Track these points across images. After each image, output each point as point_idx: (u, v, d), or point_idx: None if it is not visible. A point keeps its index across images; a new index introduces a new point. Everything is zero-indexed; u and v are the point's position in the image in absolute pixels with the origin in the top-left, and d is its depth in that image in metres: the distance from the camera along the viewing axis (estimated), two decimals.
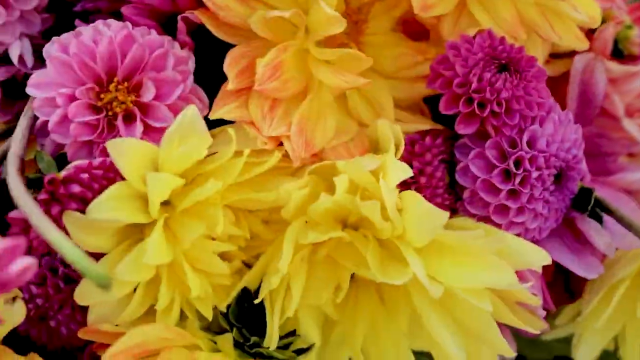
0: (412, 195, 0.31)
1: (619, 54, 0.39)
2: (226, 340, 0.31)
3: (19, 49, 0.35)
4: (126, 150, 0.29)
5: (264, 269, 0.34)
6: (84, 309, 0.31)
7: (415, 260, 0.31)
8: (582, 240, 0.36)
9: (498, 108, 0.32)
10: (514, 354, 0.33)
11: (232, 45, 0.33)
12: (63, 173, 0.29)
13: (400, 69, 0.35)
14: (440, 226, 0.30)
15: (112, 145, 0.29)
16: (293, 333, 0.35)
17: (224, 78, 0.33)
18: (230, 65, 0.32)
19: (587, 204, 0.35)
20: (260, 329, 0.34)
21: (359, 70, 0.32)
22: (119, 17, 0.34)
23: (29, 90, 0.31)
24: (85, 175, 0.29)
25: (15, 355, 0.28)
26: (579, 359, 0.38)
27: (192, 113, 0.29)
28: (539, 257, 0.32)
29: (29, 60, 0.35)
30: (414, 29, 0.37)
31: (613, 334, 0.38)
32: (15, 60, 0.35)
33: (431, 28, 0.36)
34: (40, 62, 0.36)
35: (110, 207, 0.29)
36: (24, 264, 0.23)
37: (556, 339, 0.39)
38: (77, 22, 0.34)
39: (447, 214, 0.30)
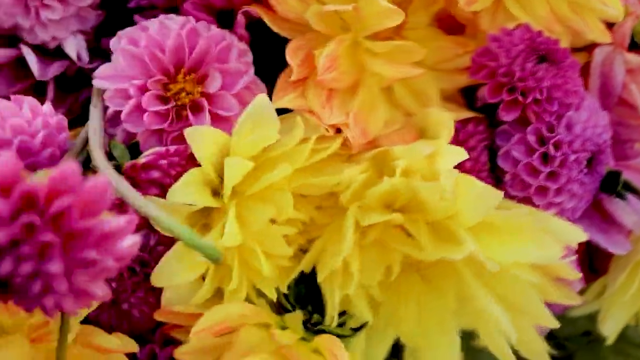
0: (465, 177, 0.33)
1: (635, 46, 0.42)
2: (295, 318, 0.33)
3: (75, 45, 0.36)
4: (202, 137, 0.31)
5: (319, 252, 0.35)
6: (155, 292, 0.32)
7: (469, 239, 0.33)
8: (609, 220, 0.39)
9: (540, 95, 0.35)
10: (558, 324, 0.35)
11: (276, 39, 0.35)
12: (143, 159, 0.30)
13: (441, 62, 0.37)
14: (494, 205, 0.32)
15: (189, 132, 0.30)
16: (343, 313, 0.37)
17: (270, 70, 0.35)
18: (291, 56, 0.33)
19: (616, 185, 0.38)
20: (315, 308, 0.35)
21: (410, 62, 0.34)
22: (172, 13, 0.35)
23: (98, 82, 0.32)
24: (164, 162, 0.30)
25: (104, 333, 0.29)
26: (605, 333, 0.40)
27: (263, 101, 0.31)
28: (576, 235, 0.35)
29: (85, 56, 0.36)
30: (447, 26, 0.39)
31: (636, 310, 0.41)
32: (74, 55, 0.36)
33: (467, 23, 0.38)
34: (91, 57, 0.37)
35: (188, 192, 0.30)
36: (132, 240, 0.24)
37: (582, 315, 0.42)
38: (137, 17, 0.35)
39: (502, 193, 0.32)
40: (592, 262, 0.42)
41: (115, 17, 0.38)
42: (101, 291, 0.24)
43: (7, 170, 0.22)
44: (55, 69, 0.36)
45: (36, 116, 0.29)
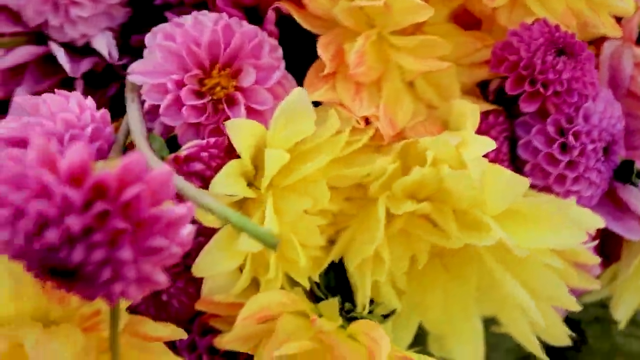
0: (492, 165, 0.34)
1: None
2: (331, 306, 0.34)
3: (105, 42, 0.36)
4: (241, 129, 0.31)
5: (348, 242, 0.36)
6: (194, 282, 0.33)
7: (497, 226, 0.34)
8: (623, 208, 0.40)
9: (560, 87, 0.36)
10: (580, 307, 0.36)
11: (297, 35, 0.36)
12: (184, 152, 0.31)
13: (461, 56, 0.38)
14: (521, 193, 0.33)
15: (229, 124, 0.31)
16: (371, 302, 0.38)
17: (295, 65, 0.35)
18: (323, 51, 0.34)
19: (630, 174, 0.39)
20: (343, 297, 0.36)
21: (435, 56, 0.35)
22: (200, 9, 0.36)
23: (133, 77, 0.33)
24: (204, 154, 0.31)
25: (153, 322, 0.30)
26: (618, 318, 0.42)
27: (301, 94, 0.32)
28: (594, 221, 0.36)
29: (115, 53, 0.37)
30: (463, 22, 0.40)
31: None
32: (105, 52, 0.36)
33: (484, 19, 0.39)
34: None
35: (229, 183, 0.31)
36: (190, 229, 0.25)
37: (594, 301, 0.43)
38: (168, 14, 0.36)
39: (528, 180, 0.33)
40: (603, 248, 0.44)
41: (142, 14, 0.38)
42: (163, 278, 0.25)
43: (78, 161, 0.23)
44: (85, 65, 0.37)
45: (83, 110, 0.30)
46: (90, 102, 0.31)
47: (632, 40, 0.42)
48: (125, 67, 0.37)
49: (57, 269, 0.24)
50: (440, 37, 0.38)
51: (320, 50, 0.34)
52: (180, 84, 0.33)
